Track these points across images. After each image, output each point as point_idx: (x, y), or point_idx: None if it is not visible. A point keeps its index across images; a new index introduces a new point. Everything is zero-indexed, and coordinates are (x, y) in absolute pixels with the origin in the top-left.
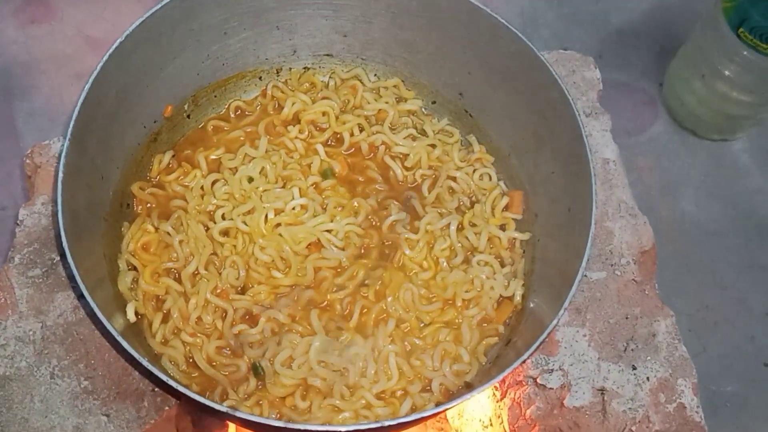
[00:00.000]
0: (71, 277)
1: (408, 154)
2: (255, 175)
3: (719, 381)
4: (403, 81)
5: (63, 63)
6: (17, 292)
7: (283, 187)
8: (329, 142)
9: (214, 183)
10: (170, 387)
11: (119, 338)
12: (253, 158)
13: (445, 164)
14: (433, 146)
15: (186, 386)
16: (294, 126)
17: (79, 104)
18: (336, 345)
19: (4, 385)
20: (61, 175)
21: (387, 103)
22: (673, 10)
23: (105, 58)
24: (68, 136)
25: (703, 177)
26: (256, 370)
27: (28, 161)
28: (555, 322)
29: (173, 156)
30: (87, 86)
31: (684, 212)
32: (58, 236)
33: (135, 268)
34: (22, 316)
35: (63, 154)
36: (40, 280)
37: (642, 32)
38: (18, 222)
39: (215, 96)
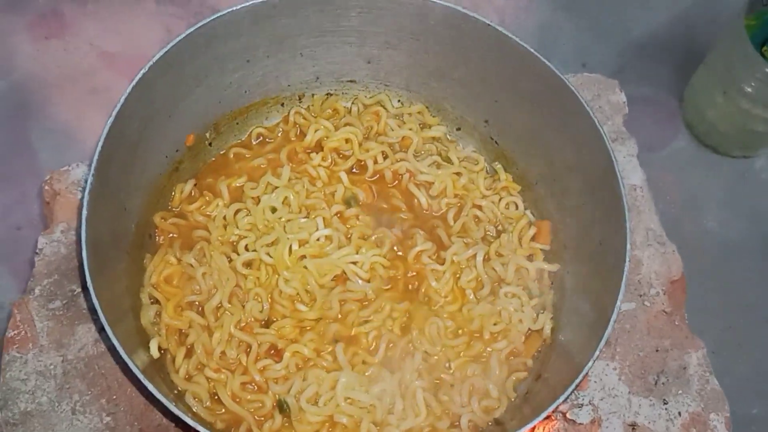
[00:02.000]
0: (92, 310)
1: (433, 182)
2: (278, 205)
3: (744, 403)
4: (427, 107)
5: (78, 78)
6: (38, 324)
7: (307, 216)
8: (353, 170)
9: (236, 213)
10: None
11: (140, 376)
12: (276, 187)
13: (471, 192)
14: (459, 174)
15: (210, 423)
16: (317, 153)
17: (102, 138)
18: (362, 380)
19: (26, 421)
20: (85, 212)
21: (411, 129)
22: (694, 23)
23: (128, 90)
24: (92, 171)
25: (725, 194)
26: (281, 406)
27: (46, 187)
28: (590, 364)
29: (195, 185)
30: (110, 120)
31: (706, 229)
32: (78, 267)
33: (158, 302)
34: (43, 349)
35: (87, 190)
36: (61, 313)
37: (662, 46)
38: (37, 251)
39: (237, 123)
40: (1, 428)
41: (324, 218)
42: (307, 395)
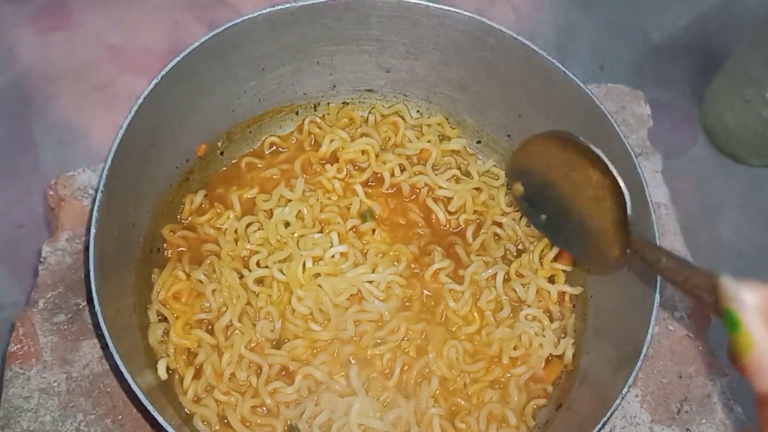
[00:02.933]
0: (97, 325)
1: (452, 198)
2: (291, 219)
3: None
4: (447, 119)
5: (81, 72)
6: (41, 339)
7: (321, 231)
8: (368, 182)
9: (248, 226)
10: None
11: (144, 399)
12: (289, 200)
13: (491, 209)
14: (479, 189)
15: None
16: (332, 165)
17: (112, 151)
18: (377, 406)
19: None
20: (93, 230)
21: (429, 141)
22: (713, 26)
23: (140, 101)
24: (100, 186)
25: (743, 203)
26: None
27: (51, 193)
28: (619, 401)
29: (205, 195)
30: (121, 132)
31: (722, 239)
32: (83, 279)
33: (166, 319)
34: (47, 365)
35: (96, 206)
36: (65, 327)
37: (682, 48)
38: (41, 260)
39: (250, 132)
40: None
41: (339, 233)
42: (319, 422)
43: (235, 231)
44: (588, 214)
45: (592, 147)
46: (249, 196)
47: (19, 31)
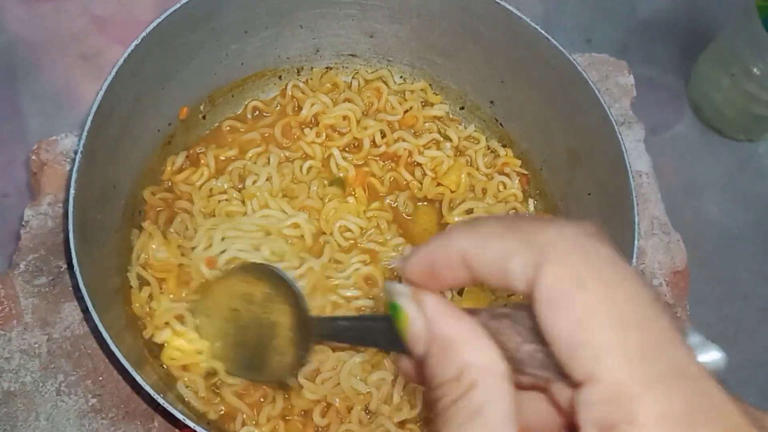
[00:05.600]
0: (78, 288)
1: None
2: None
3: (738, 393)
4: (430, 85)
5: (68, 43)
6: (22, 301)
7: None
8: (346, 149)
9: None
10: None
11: (125, 362)
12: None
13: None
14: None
15: (203, 413)
16: (311, 129)
17: (92, 113)
18: (365, 366)
19: (8, 401)
20: (72, 192)
21: (412, 108)
22: (702, 2)
23: (120, 62)
24: (80, 148)
25: (728, 179)
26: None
27: (33, 157)
28: None
29: (186, 157)
30: (101, 93)
31: (707, 215)
32: (65, 242)
33: (148, 283)
34: (28, 327)
35: (75, 167)
36: (47, 290)
37: (669, 24)
38: (23, 223)
39: (232, 96)
40: None
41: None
42: (306, 371)
43: (210, 190)
44: (267, 336)
45: (268, 264)
46: (223, 158)
47: (6, 0)
